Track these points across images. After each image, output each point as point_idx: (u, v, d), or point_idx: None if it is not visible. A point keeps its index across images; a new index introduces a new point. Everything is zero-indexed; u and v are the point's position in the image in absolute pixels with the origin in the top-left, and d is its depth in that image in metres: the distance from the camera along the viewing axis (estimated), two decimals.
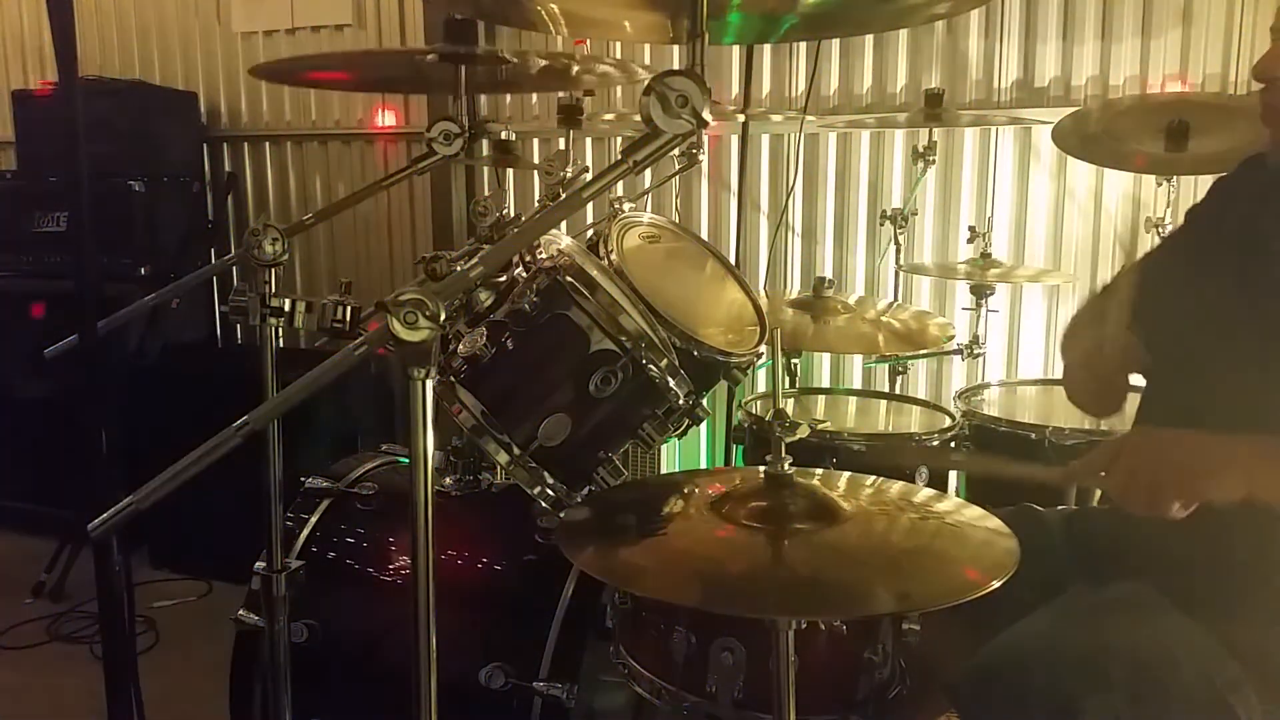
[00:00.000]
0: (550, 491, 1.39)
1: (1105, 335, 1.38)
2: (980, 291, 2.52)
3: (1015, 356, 3.08)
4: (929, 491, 1.45)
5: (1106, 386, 1.45)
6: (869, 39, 3.09)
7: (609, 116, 3.06)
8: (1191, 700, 1.13)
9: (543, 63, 1.99)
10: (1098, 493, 1.92)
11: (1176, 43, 2.79)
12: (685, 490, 1.40)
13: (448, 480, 1.69)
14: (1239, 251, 1.33)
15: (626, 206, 1.50)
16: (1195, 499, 1.10)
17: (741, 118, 2.88)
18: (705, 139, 1.10)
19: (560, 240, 1.42)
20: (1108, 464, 1.17)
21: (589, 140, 3.47)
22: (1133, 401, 1.50)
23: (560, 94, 2.82)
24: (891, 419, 2.35)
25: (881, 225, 2.86)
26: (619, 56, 3.28)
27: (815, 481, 1.35)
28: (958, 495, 2.00)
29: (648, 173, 1.23)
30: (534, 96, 3.54)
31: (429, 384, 0.89)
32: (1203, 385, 1.31)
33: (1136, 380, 1.48)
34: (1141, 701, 1.12)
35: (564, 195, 1.44)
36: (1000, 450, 2.09)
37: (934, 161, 2.72)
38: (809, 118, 2.97)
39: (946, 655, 1.28)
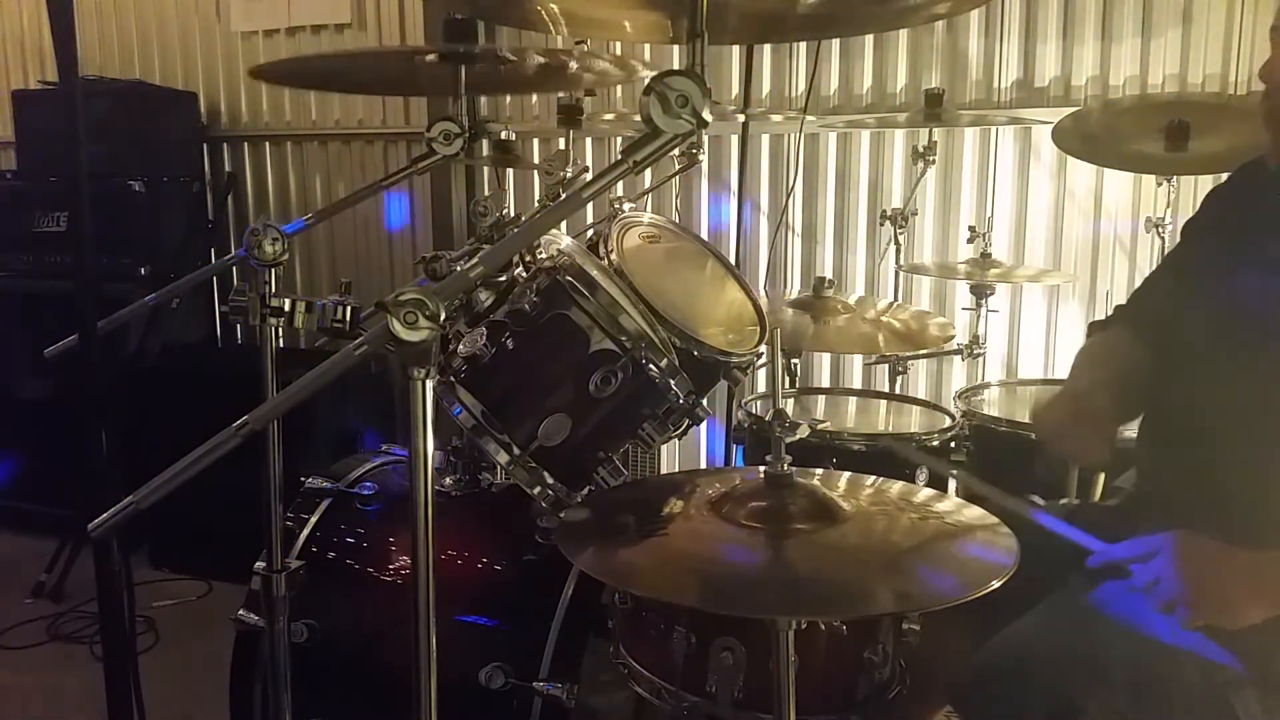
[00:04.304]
0: (550, 491, 1.39)
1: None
2: (980, 291, 2.52)
3: (1015, 356, 3.08)
4: (929, 491, 1.45)
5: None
6: (869, 39, 3.09)
7: (609, 116, 3.06)
8: (1192, 698, 1.13)
9: (541, 60, 1.98)
10: (1099, 489, 1.92)
11: (1176, 43, 2.79)
12: (685, 490, 1.40)
13: (448, 480, 1.69)
14: (1241, 256, 1.33)
15: (626, 206, 1.50)
16: (1223, 622, 1.12)
17: (741, 118, 2.88)
18: (705, 139, 1.10)
19: (560, 240, 1.42)
20: (1144, 556, 1.17)
21: (589, 140, 3.47)
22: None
23: (560, 94, 2.82)
24: (891, 419, 2.35)
25: (881, 225, 2.86)
26: (618, 54, 3.29)
27: (815, 481, 1.35)
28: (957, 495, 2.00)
29: (648, 173, 1.23)
30: (534, 96, 3.54)
31: (429, 384, 0.90)
32: (1209, 396, 1.31)
33: None
34: (1142, 699, 1.12)
35: (564, 195, 1.44)
36: (1000, 450, 2.09)
37: (934, 161, 2.72)
38: (809, 118, 2.97)
39: (946, 655, 1.28)
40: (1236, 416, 1.26)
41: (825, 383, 3.23)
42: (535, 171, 3.44)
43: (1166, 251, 2.46)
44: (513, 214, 1.63)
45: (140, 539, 3.28)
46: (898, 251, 2.79)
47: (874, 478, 1.44)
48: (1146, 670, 1.14)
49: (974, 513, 1.31)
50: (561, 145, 3.02)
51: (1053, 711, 1.13)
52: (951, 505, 1.37)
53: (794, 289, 2.96)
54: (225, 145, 3.99)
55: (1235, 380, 1.28)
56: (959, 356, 2.58)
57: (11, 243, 3.55)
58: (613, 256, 1.39)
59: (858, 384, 3.14)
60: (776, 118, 3.11)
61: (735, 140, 3.18)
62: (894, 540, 1.25)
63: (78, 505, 3.01)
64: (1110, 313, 1.60)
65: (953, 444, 2.09)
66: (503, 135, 2.80)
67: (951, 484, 2.13)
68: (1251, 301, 1.29)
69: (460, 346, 1.37)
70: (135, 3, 3.99)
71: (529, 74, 2.09)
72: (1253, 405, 1.25)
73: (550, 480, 1.38)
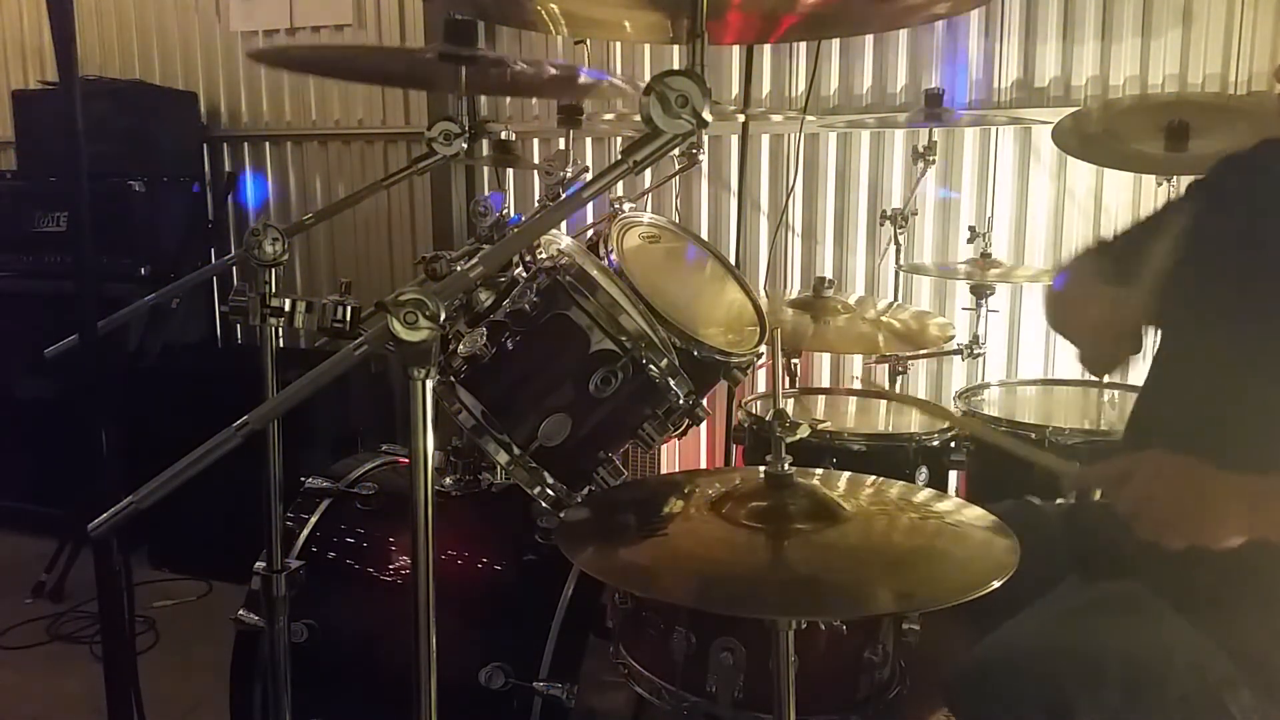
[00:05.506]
0: (550, 491, 1.39)
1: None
2: (980, 291, 2.52)
3: (1015, 356, 3.08)
4: (929, 491, 1.45)
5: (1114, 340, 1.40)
6: (869, 39, 3.09)
7: (609, 116, 3.06)
8: (1185, 697, 1.13)
9: (552, 71, 1.98)
10: (1098, 490, 1.92)
11: (1176, 43, 2.79)
12: (685, 490, 1.40)
13: (448, 480, 1.69)
14: (1258, 233, 1.31)
15: (626, 206, 1.51)
16: (1203, 540, 1.08)
17: (741, 118, 2.88)
18: (705, 140, 1.10)
19: (560, 240, 1.42)
20: (1121, 477, 1.15)
21: (589, 140, 3.47)
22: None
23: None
24: (891, 419, 2.35)
25: (881, 225, 2.86)
26: (619, 64, 3.30)
27: (815, 481, 1.35)
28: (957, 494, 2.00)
29: (648, 173, 1.23)
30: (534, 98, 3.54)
31: (429, 384, 0.89)
32: (1209, 369, 1.30)
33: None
34: (1136, 698, 1.12)
35: (564, 195, 1.44)
36: (1000, 450, 2.09)
37: (934, 161, 2.72)
38: (809, 118, 2.97)
39: (946, 655, 1.28)
40: (1245, 401, 1.24)
41: (825, 383, 3.23)
42: (535, 171, 3.44)
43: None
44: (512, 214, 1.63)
45: (140, 539, 3.28)
46: (898, 251, 2.79)
47: (874, 478, 1.44)
48: (1141, 670, 1.14)
49: (974, 513, 1.31)
50: (561, 145, 3.02)
51: (1047, 711, 1.12)
52: (951, 505, 1.37)
53: (794, 289, 2.96)
54: (225, 145, 3.99)
55: (1244, 361, 1.25)
56: (959, 356, 2.58)
57: (11, 243, 3.55)
58: (613, 256, 1.39)
59: (857, 384, 3.14)
60: (776, 118, 3.11)
61: (735, 140, 3.18)
62: (894, 540, 1.25)
63: (78, 505, 3.01)
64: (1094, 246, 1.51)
65: (952, 444, 2.09)
66: (503, 135, 2.80)
67: (952, 483, 2.13)
68: (1268, 280, 1.27)
69: (460, 346, 1.37)
70: (135, 3, 3.99)
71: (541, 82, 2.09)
72: (1263, 389, 1.23)
73: (550, 480, 1.38)
